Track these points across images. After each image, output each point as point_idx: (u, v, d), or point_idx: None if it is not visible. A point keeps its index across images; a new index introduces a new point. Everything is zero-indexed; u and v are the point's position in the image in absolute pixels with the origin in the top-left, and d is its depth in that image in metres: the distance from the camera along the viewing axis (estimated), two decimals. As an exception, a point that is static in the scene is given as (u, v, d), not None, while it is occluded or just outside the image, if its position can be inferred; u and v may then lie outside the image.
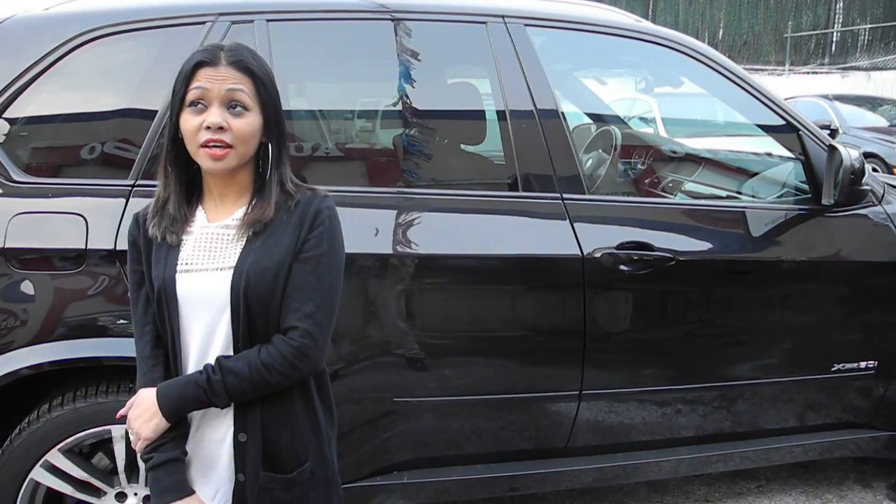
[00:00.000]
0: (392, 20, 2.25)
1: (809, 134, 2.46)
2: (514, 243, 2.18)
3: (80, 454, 2.05)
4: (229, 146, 1.27)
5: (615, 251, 2.20)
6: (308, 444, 1.38)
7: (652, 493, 2.83)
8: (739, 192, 2.85)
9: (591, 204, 2.27)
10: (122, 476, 2.05)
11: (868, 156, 8.29)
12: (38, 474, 1.98)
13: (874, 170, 7.57)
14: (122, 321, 1.96)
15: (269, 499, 1.35)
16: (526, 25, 2.30)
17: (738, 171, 3.13)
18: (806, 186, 2.49)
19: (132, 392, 1.39)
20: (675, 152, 3.39)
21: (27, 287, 1.94)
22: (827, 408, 2.58)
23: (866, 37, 17.06)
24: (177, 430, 1.34)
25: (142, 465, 1.38)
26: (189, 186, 1.37)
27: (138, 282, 1.38)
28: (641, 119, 6.77)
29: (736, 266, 2.37)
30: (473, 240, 2.17)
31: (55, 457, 1.98)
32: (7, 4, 2.17)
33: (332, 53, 2.42)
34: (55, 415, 1.95)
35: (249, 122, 1.29)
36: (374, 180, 2.39)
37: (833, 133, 8.36)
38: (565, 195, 2.22)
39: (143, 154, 2.00)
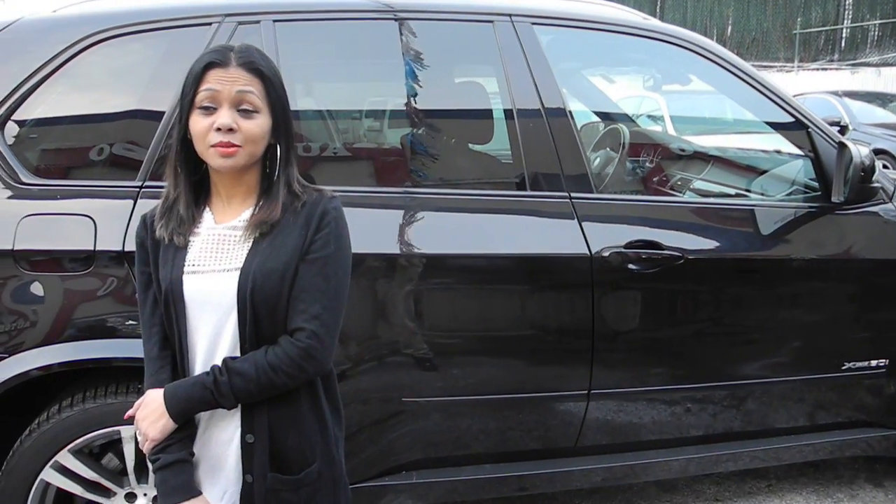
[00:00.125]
0: (398, 20, 2.25)
1: (819, 131, 2.44)
2: (522, 243, 2.18)
3: (89, 455, 2.06)
4: (238, 146, 1.27)
5: (624, 250, 2.19)
6: (315, 445, 1.38)
7: (661, 492, 2.82)
8: (748, 190, 2.84)
9: (600, 203, 2.26)
10: (132, 476, 2.05)
11: (878, 152, 8.23)
12: (49, 475, 1.98)
13: (885, 166, 7.53)
14: (130, 322, 1.96)
15: (276, 500, 1.35)
16: (533, 24, 2.29)
17: (747, 168, 3.11)
18: (815, 184, 2.47)
19: (141, 393, 1.39)
20: (683, 150, 3.38)
21: (37, 288, 1.95)
22: (837, 407, 2.57)
23: (876, 33, 16.95)
24: (184, 431, 1.35)
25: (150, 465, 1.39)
26: (197, 188, 1.37)
27: (146, 283, 1.38)
28: (650, 117, 6.74)
29: (745, 265, 2.36)
30: (481, 239, 2.17)
31: (65, 457, 1.98)
32: (15, 7, 2.19)
33: (339, 54, 2.42)
34: (65, 416, 1.96)
35: (259, 124, 1.29)
36: (382, 180, 2.39)
37: (843, 130, 8.32)
38: (573, 194, 2.21)
39: (151, 155, 2.01)
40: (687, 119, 7.15)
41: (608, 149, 3.18)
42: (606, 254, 2.18)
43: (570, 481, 2.40)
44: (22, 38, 2.05)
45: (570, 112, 2.31)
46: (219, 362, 1.32)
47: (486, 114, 2.46)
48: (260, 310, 1.30)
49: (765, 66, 16.33)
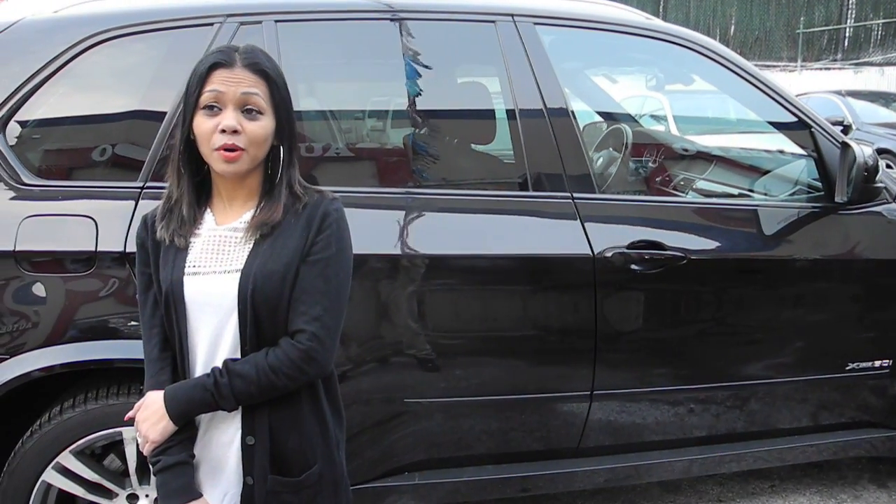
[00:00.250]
0: (400, 20, 2.24)
1: (822, 131, 2.44)
2: (524, 243, 2.17)
3: (91, 456, 2.05)
4: (242, 149, 1.26)
5: (626, 250, 2.19)
6: (316, 447, 1.37)
7: (664, 492, 2.82)
8: (751, 190, 2.83)
9: (602, 203, 2.26)
10: (134, 478, 2.05)
11: (882, 152, 8.21)
12: (50, 476, 1.98)
13: (888, 166, 7.51)
14: (132, 323, 1.96)
15: (277, 502, 1.35)
16: (535, 24, 2.29)
17: (750, 168, 3.11)
18: (819, 184, 2.47)
19: (142, 394, 1.39)
20: (686, 150, 3.37)
21: (38, 290, 1.94)
22: (841, 407, 2.56)
23: (879, 32, 16.90)
24: (184, 433, 1.34)
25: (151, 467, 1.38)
26: (198, 188, 1.37)
27: (146, 284, 1.37)
28: (653, 117, 6.73)
29: (748, 265, 2.35)
30: (484, 240, 2.16)
31: (67, 459, 1.98)
32: (17, 7, 2.18)
33: (341, 54, 2.41)
34: (66, 417, 1.96)
35: (263, 126, 1.29)
36: (384, 180, 2.39)
37: (846, 129, 8.31)
38: (576, 194, 2.21)
39: (153, 156, 2.00)
40: (690, 119, 7.14)
41: (611, 149, 3.18)
42: (609, 254, 2.17)
43: (573, 482, 2.39)
44: (23, 39, 2.05)
45: (573, 112, 2.30)
46: (219, 364, 1.31)
47: (489, 114, 2.45)
48: (261, 311, 1.30)
49: (768, 66, 16.30)
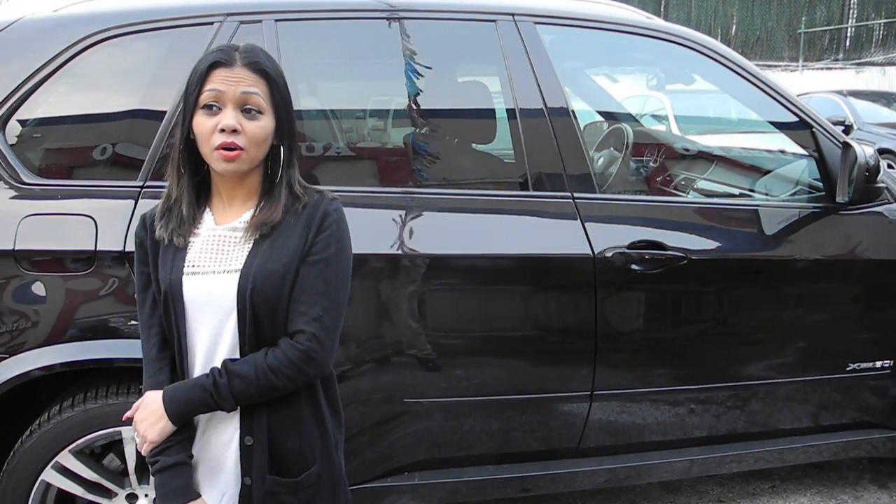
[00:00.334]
0: (400, 19, 2.24)
1: (823, 131, 2.43)
2: (524, 243, 2.17)
3: (90, 455, 2.05)
4: (242, 149, 1.26)
5: (627, 250, 2.18)
6: (315, 448, 1.37)
7: (665, 493, 2.81)
8: (752, 190, 2.82)
9: (603, 203, 2.25)
10: (133, 477, 2.05)
11: (883, 152, 8.19)
12: (50, 475, 1.98)
13: (889, 166, 7.51)
14: (132, 322, 1.96)
15: (275, 502, 1.34)
16: (536, 23, 2.28)
17: (751, 168, 3.10)
18: (820, 184, 2.46)
19: (141, 394, 1.39)
20: (687, 150, 3.37)
21: (38, 289, 1.94)
22: (842, 408, 2.56)
23: (881, 32, 16.88)
24: (183, 433, 1.34)
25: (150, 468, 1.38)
26: (198, 188, 1.36)
27: (145, 283, 1.37)
28: (654, 116, 6.73)
29: (749, 265, 2.35)
30: (484, 240, 2.16)
31: (66, 458, 1.98)
32: (17, 6, 2.18)
33: (341, 53, 2.41)
34: (66, 416, 1.96)
35: (263, 126, 1.28)
36: (384, 180, 2.38)
37: (847, 129, 8.29)
38: (576, 194, 2.20)
39: (152, 155, 2.00)
40: (691, 119, 7.14)
41: (612, 148, 3.17)
42: (609, 254, 2.17)
43: (573, 482, 2.39)
44: (23, 38, 2.05)
45: (573, 112, 2.30)
46: (218, 364, 1.31)
47: (489, 113, 2.45)
48: (260, 311, 1.29)
49: (769, 66, 16.28)
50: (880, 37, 16.87)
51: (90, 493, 2.04)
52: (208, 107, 1.26)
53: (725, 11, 18.26)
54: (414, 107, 2.31)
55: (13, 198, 1.96)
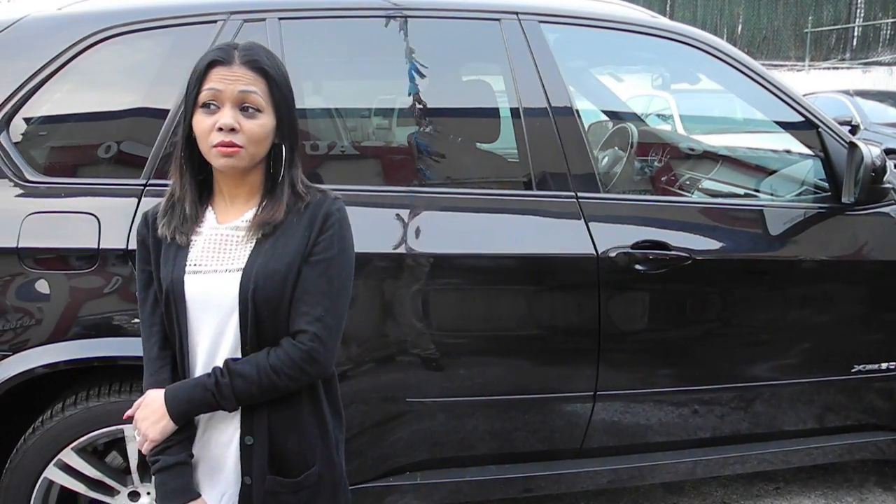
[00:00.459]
0: (405, 17, 2.23)
1: (829, 131, 2.42)
2: (527, 242, 2.16)
3: (93, 453, 2.05)
4: (240, 147, 1.25)
5: (630, 250, 2.18)
6: (315, 448, 1.37)
7: (668, 494, 2.80)
8: (757, 191, 2.81)
9: (607, 203, 2.24)
10: (135, 475, 2.05)
11: (890, 152, 8.14)
12: (52, 473, 1.98)
13: (896, 167, 7.40)
14: (135, 321, 1.96)
15: (275, 502, 1.34)
16: (540, 22, 2.28)
17: (757, 168, 3.09)
18: (825, 184, 2.45)
19: (143, 392, 1.38)
20: (692, 150, 3.36)
21: (41, 286, 1.94)
22: (847, 409, 2.54)
23: (888, 31, 16.80)
24: (183, 432, 1.34)
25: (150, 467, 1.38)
26: (201, 186, 1.36)
27: (146, 281, 1.37)
28: (659, 116, 6.71)
29: (754, 266, 2.34)
30: (487, 239, 2.15)
31: (69, 456, 1.98)
32: (21, 4, 2.18)
33: (345, 52, 2.41)
34: (68, 414, 1.96)
35: (262, 124, 1.28)
36: (389, 179, 2.38)
37: (854, 129, 8.25)
38: (580, 194, 2.20)
39: (156, 153, 2.00)
40: (697, 118, 7.12)
41: (616, 148, 3.16)
42: (613, 254, 2.16)
43: (576, 483, 2.38)
44: (27, 36, 2.05)
45: (577, 111, 2.29)
46: (220, 363, 1.31)
47: (493, 112, 2.44)
48: (262, 311, 1.29)
49: (775, 65, 16.23)
50: (888, 36, 16.80)
51: (92, 491, 2.04)
52: (207, 105, 1.26)
53: (731, 10, 18.21)
54: (418, 106, 2.31)
55: (17, 196, 1.96)
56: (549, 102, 2.22)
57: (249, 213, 1.33)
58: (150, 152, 2.00)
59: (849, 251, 2.41)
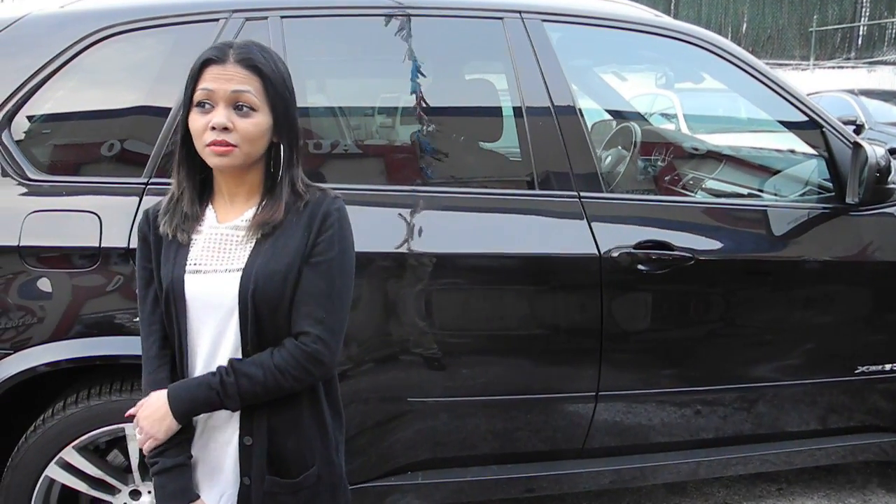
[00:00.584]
0: (407, 16, 2.22)
1: (833, 130, 2.41)
2: (530, 242, 2.16)
3: (94, 452, 2.05)
4: (234, 146, 1.25)
5: (633, 250, 2.17)
6: (315, 449, 1.36)
7: (670, 494, 2.80)
8: (761, 191, 2.80)
9: (609, 202, 2.23)
10: (136, 474, 2.05)
11: (894, 153, 8.11)
12: (53, 471, 1.98)
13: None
14: (137, 319, 1.94)
15: (274, 503, 1.34)
16: (543, 21, 2.27)
17: (760, 168, 3.08)
18: (830, 185, 2.44)
19: (142, 391, 1.38)
20: (696, 149, 3.34)
21: (43, 285, 1.94)
22: (850, 411, 2.53)
23: (894, 30, 16.75)
24: (183, 433, 1.33)
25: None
26: (202, 185, 1.35)
27: (147, 279, 1.36)
28: (663, 115, 6.69)
29: (757, 266, 2.33)
30: (489, 239, 2.15)
31: (70, 454, 1.98)
32: (22, 2, 2.18)
33: (347, 50, 2.40)
34: (69, 413, 1.96)
35: (256, 123, 1.26)
36: (391, 178, 2.37)
37: (859, 128, 8.22)
38: (582, 193, 2.19)
39: (157, 152, 2.00)
40: (701, 117, 7.09)
41: (620, 147, 3.15)
42: (616, 254, 2.15)
43: (578, 483, 2.38)
44: (29, 34, 2.05)
45: (580, 110, 2.29)
46: (219, 363, 1.30)
47: (496, 111, 2.44)
48: (262, 311, 1.28)
49: (780, 64, 16.18)
50: (893, 35, 16.74)
51: (94, 490, 2.04)
52: (201, 104, 1.25)
53: (736, 9, 18.14)
54: (421, 104, 2.30)
55: (18, 194, 1.96)
56: (551, 101, 2.21)
57: (249, 213, 1.32)
58: (152, 151, 2.00)
59: (853, 252, 2.40)
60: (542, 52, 2.23)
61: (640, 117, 3.76)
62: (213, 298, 1.29)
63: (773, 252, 2.34)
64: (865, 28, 17.18)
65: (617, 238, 2.17)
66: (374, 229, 2.02)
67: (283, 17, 2.12)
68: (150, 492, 2.08)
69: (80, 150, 2.09)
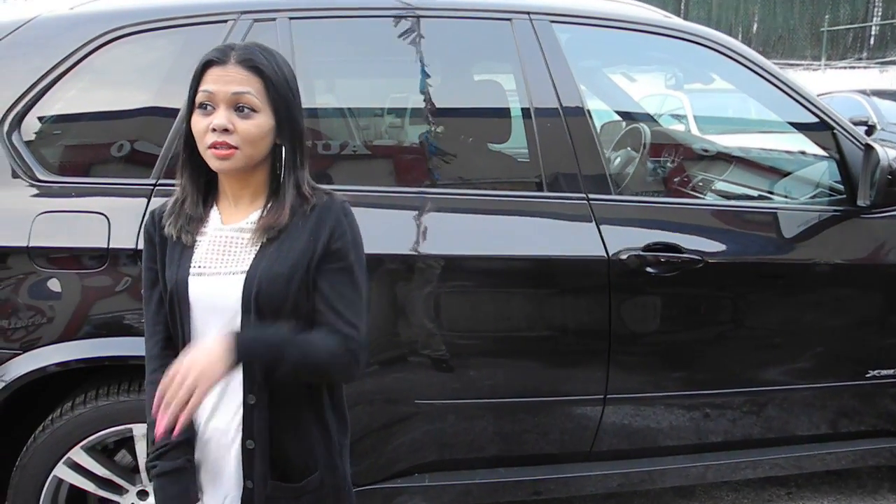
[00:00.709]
0: (416, 17, 2.22)
1: (844, 132, 2.39)
2: (538, 244, 2.15)
3: (102, 452, 2.06)
4: (235, 147, 1.24)
5: (642, 253, 2.16)
6: (318, 454, 1.35)
7: (678, 498, 2.78)
8: (771, 192, 2.78)
9: (618, 204, 2.23)
10: (144, 474, 2.06)
11: (907, 152, 8.04)
12: (62, 471, 1.99)
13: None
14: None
15: None
16: (552, 22, 2.26)
17: (771, 170, 3.06)
18: (841, 187, 2.42)
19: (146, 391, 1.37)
20: (705, 150, 3.33)
21: (52, 285, 1.95)
22: (861, 415, 2.51)
23: (906, 30, 16.65)
24: (183, 435, 1.32)
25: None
26: (206, 187, 1.35)
27: (153, 280, 1.36)
28: (673, 116, 6.67)
29: (767, 269, 2.31)
30: (497, 241, 2.14)
31: (78, 454, 1.99)
32: (33, 4, 2.19)
33: (355, 51, 2.40)
34: (77, 413, 1.97)
35: (257, 124, 1.26)
36: (399, 179, 2.37)
37: (870, 129, 8.15)
38: (591, 195, 2.18)
39: (165, 153, 2.00)
40: (710, 118, 7.07)
41: (629, 148, 3.14)
42: (624, 256, 2.14)
43: (586, 486, 2.37)
44: (39, 35, 2.05)
45: (589, 111, 2.28)
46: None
47: (505, 113, 2.43)
48: (264, 313, 1.28)
49: (791, 65, 16.10)
50: (905, 35, 16.62)
51: (101, 489, 2.05)
52: (203, 106, 1.25)
53: (747, 9, 18.07)
54: (429, 106, 2.30)
55: (28, 195, 1.96)
56: (560, 103, 2.20)
57: (254, 215, 1.32)
58: (161, 152, 2.01)
59: (864, 255, 2.38)
60: (550, 53, 2.23)
61: (649, 118, 3.75)
62: (216, 301, 1.29)
63: (784, 255, 2.33)
64: (877, 28, 17.07)
65: (625, 240, 2.16)
66: (383, 231, 2.02)
67: (291, 18, 2.12)
68: (157, 492, 2.08)
69: (89, 151, 2.10)
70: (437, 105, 2.30)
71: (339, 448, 1.39)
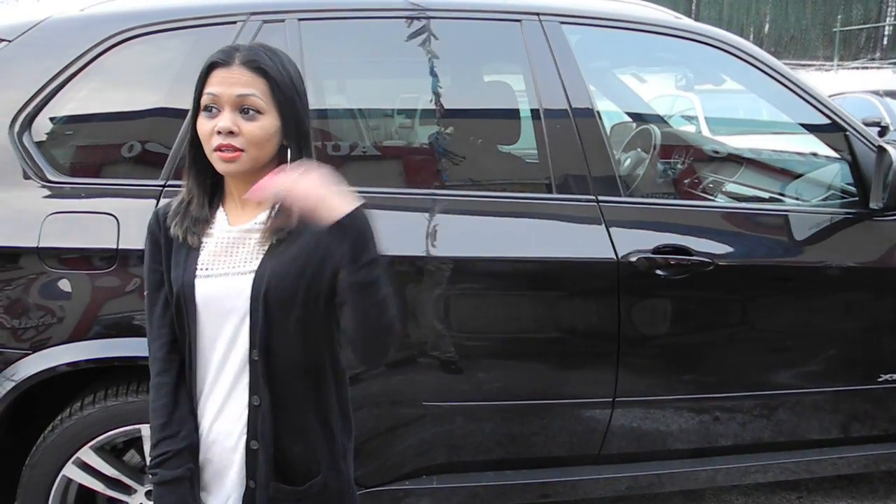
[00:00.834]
0: (425, 18, 2.22)
1: (857, 134, 2.37)
2: (547, 246, 2.14)
3: (111, 452, 2.07)
4: (241, 150, 1.24)
5: (651, 255, 2.15)
6: (321, 457, 1.35)
7: (687, 501, 2.77)
8: (783, 195, 2.76)
9: (628, 206, 2.22)
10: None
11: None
12: (71, 471, 2.00)
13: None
14: (153, 320, 1.97)
15: None
16: (562, 23, 2.25)
17: (782, 172, 3.04)
18: (853, 189, 2.40)
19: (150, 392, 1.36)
20: (716, 152, 3.31)
21: (62, 285, 1.96)
22: (873, 419, 2.49)
23: (920, 31, 16.53)
24: (185, 440, 1.31)
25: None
26: (213, 188, 1.35)
27: (158, 282, 1.34)
28: (684, 117, 6.64)
29: (778, 272, 2.29)
30: (506, 243, 2.14)
31: (87, 454, 2.00)
32: (44, 5, 2.20)
33: (364, 53, 2.40)
34: (87, 413, 1.97)
35: (262, 126, 1.25)
36: (408, 181, 2.37)
37: (883, 130, 8.09)
38: (600, 197, 2.17)
39: (174, 154, 2.00)
40: (721, 120, 7.03)
41: (639, 150, 3.13)
42: (634, 259, 2.13)
43: (594, 489, 2.36)
44: (50, 37, 2.06)
45: (599, 113, 2.27)
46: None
47: (514, 114, 2.43)
48: (273, 313, 1.27)
49: (803, 65, 16.01)
50: (919, 36, 16.50)
51: (110, 490, 2.06)
52: (208, 109, 1.24)
53: (758, 10, 17.98)
54: (438, 107, 2.29)
55: (38, 196, 1.97)
56: (569, 104, 2.19)
57: (261, 216, 1.31)
58: (170, 153, 2.01)
59: (876, 258, 2.36)
60: (560, 54, 2.22)
61: (659, 119, 3.73)
62: (224, 301, 1.28)
63: (795, 258, 2.31)
64: (891, 28, 16.95)
65: (635, 242, 2.15)
66: (392, 233, 2.00)
67: (300, 19, 2.12)
68: (166, 492, 2.08)
69: (99, 152, 2.11)
70: (447, 106, 2.29)
71: (344, 451, 1.38)
